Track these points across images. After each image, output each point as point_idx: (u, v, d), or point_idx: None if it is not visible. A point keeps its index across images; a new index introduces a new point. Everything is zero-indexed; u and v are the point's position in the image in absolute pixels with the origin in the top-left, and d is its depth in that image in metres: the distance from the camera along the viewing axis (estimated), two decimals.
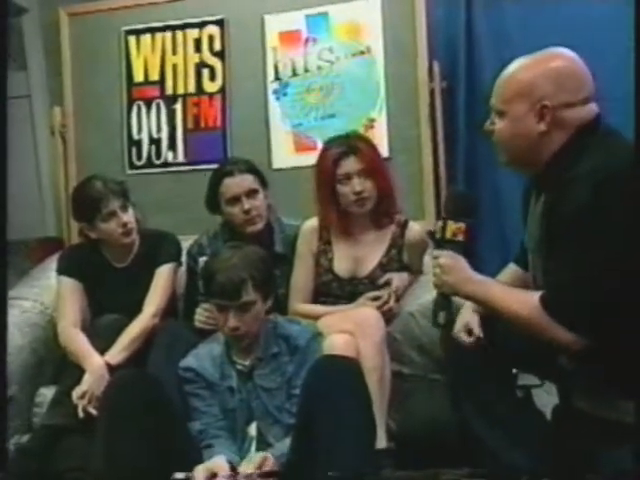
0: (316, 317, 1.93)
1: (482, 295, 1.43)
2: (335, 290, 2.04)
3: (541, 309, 1.33)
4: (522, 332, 1.39)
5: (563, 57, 1.40)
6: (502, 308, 1.40)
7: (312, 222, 2.11)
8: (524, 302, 1.37)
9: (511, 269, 1.71)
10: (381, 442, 1.71)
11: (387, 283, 1.99)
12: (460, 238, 1.45)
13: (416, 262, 2.07)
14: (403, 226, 2.07)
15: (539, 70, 1.38)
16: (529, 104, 1.38)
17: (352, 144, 1.99)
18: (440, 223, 1.47)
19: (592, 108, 1.40)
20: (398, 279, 2.00)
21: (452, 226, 1.45)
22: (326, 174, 2.00)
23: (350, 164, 1.97)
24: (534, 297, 1.36)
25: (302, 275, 2.07)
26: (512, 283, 1.60)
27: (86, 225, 2.11)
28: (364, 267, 2.04)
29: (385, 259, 2.04)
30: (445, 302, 1.47)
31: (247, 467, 1.55)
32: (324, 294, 2.06)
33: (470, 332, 1.58)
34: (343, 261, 2.05)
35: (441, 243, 1.47)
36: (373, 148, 2.06)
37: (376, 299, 1.94)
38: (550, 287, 1.36)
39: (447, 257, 1.45)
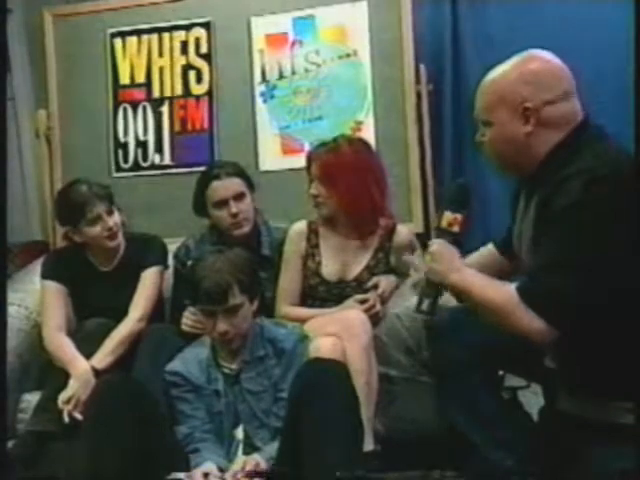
0: (303, 320, 1.93)
1: (464, 285, 1.42)
2: (322, 293, 2.04)
3: (517, 297, 1.34)
4: (499, 326, 1.38)
5: (538, 58, 1.43)
6: (480, 297, 1.39)
7: (300, 225, 2.11)
8: (501, 291, 1.38)
9: (488, 249, 1.71)
10: (368, 445, 1.71)
11: (374, 286, 1.99)
12: (455, 229, 1.46)
13: (404, 265, 2.07)
14: (391, 229, 2.07)
15: (516, 74, 1.41)
16: (511, 109, 1.40)
17: (318, 150, 2.05)
18: (438, 212, 1.50)
19: (576, 105, 1.42)
20: (385, 282, 1.99)
21: (449, 216, 1.47)
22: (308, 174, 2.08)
23: (312, 168, 2.03)
24: (512, 286, 1.37)
25: (289, 278, 2.07)
26: (486, 262, 1.63)
27: (71, 229, 2.10)
28: (351, 270, 2.04)
29: (372, 262, 2.04)
30: (432, 291, 1.47)
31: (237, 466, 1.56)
32: (311, 297, 2.06)
33: None
34: (331, 264, 2.05)
35: (437, 232, 1.49)
36: (340, 157, 1.99)
37: (363, 302, 1.94)
38: (526, 275, 1.38)
39: (438, 245, 1.46)
